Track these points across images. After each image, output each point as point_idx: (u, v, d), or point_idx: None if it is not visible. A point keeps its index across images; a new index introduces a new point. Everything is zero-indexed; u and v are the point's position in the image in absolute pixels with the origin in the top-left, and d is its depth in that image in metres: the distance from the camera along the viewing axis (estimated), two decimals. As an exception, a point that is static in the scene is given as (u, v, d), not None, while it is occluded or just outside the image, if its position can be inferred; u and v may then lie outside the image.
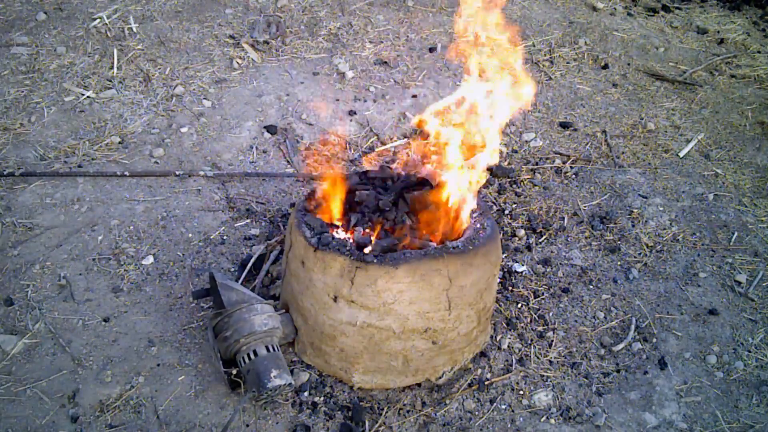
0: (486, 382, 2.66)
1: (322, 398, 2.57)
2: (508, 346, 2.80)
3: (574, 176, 3.69)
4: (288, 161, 3.69)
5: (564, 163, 3.77)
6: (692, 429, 2.56)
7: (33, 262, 3.02)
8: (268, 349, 2.49)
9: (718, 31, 4.99)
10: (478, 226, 2.58)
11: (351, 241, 2.50)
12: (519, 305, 2.98)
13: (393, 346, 2.49)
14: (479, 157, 2.71)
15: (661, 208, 3.48)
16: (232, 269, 3.06)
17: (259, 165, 3.67)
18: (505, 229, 3.36)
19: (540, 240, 3.30)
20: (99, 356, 2.68)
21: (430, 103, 4.12)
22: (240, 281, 2.90)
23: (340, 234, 2.56)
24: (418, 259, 2.38)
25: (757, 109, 4.24)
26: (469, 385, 2.65)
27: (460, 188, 2.60)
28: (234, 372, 2.51)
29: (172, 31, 4.45)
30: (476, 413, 2.57)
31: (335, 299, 2.44)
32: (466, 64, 2.64)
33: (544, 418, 2.56)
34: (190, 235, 3.22)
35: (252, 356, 2.46)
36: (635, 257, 3.23)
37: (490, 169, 3.63)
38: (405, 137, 3.90)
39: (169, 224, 3.26)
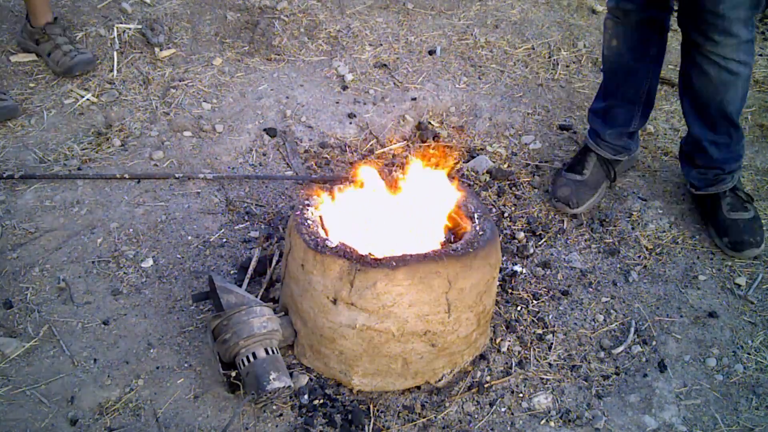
0: (485, 385, 2.66)
1: (321, 401, 2.57)
2: (508, 349, 2.80)
3: (573, 179, 3.69)
4: (288, 164, 3.70)
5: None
6: (692, 431, 2.56)
7: (32, 264, 3.02)
8: (267, 352, 2.49)
9: (718, 34, 4.99)
10: (478, 228, 2.58)
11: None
12: (518, 308, 2.98)
13: (392, 348, 2.49)
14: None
15: (661, 211, 3.48)
16: (232, 272, 3.06)
17: (258, 168, 3.67)
18: (505, 231, 3.36)
19: (539, 242, 3.30)
20: (98, 359, 2.68)
21: (430, 106, 4.13)
22: (244, 287, 2.89)
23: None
24: (418, 261, 2.38)
25: (756, 112, 4.24)
26: (469, 388, 2.65)
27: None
28: (233, 375, 2.51)
29: (172, 34, 4.45)
30: (476, 416, 2.57)
31: (334, 302, 2.44)
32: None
33: (543, 420, 2.56)
34: (190, 237, 3.22)
35: (251, 359, 2.46)
36: (635, 260, 3.23)
37: (489, 172, 3.64)
38: (404, 140, 3.90)
39: (168, 227, 3.26)
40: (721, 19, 2.79)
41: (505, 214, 3.45)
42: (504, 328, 2.88)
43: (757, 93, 4.44)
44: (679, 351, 2.85)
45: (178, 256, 3.12)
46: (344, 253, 2.41)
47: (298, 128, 3.92)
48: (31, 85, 4.03)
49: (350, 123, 3.98)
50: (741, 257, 3.18)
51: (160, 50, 4.31)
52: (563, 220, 3.43)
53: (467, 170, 3.66)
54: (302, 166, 3.68)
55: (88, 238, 3.17)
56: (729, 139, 3.21)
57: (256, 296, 2.84)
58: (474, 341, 2.67)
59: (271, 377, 2.41)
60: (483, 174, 3.64)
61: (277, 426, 2.48)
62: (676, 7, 3.15)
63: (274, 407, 2.53)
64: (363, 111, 4.06)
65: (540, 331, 2.89)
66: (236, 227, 3.30)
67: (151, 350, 2.72)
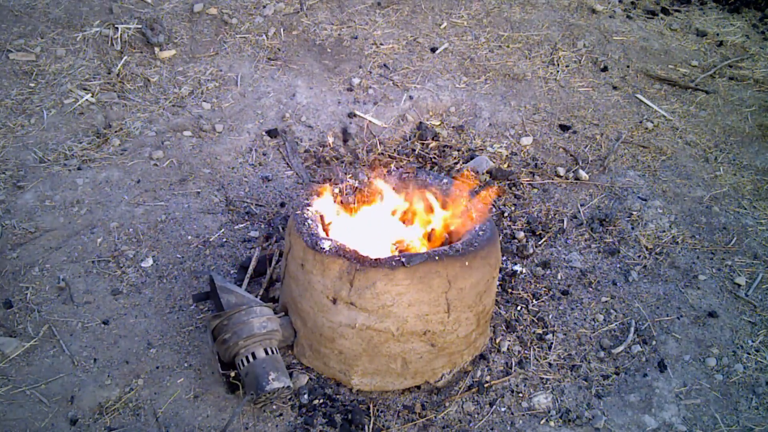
0: (485, 385, 2.66)
1: (321, 401, 2.57)
2: (508, 349, 2.80)
3: (573, 178, 3.69)
4: (288, 164, 3.69)
5: (561, 167, 3.77)
6: (692, 431, 2.55)
7: (32, 264, 3.02)
8: (266, 352, 2.49)
9: (717, 34, 4.99)
10: (477, 228, 2.58)
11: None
12: (518, 308, 2.98)
13: (392, 348, 2.49)
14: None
15: (661, 211, 3.48)
16: (232, 271, 3.06)
17: (259, 167, 3.67)
18: (505, 231, 3.36)
19: (539, 242, 3.30)
20: (98, 359, 2.68)
21: (429, 105, 4.12)
22: (244, 287, 2.89)
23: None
24: (417, 261, 2.38)
25: (756, 112, 4.24)
26: (469, 388, 2.65)
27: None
28: (233, 374, 2.51)
29: (172, 34, 4.45)
30: (476, 416, 2.56)
31: (334, 301, 2.44)
32: None
33: (543, 420, 2.56)
34: (190, 237, 3.22)
35: (251, 359, 2.46)
36: (635, 260, 3.23)
37: (489, 172, 3.64)
38: (404, 140, 3.90)
39: (168, 226, 3.26)
40: None
41: (505, 214, 3.45)
42: (504, 327, 2.88)
43: (757, 93, 4.44)
44: (678, 351, 2.84)
45: (178, 255, 3.12)
46: (344, 252, 2.40)
47: (298, 128, 3.92)
48: (31, 85, 4.03)
49: (350, 123, 3.98)
50: None
51: (160, 50, 4.31)
52: (563, 220, 3.43)
53: (467, 170, 3.66)
54: (302, 166, 3.68)
55: (88, 238, 3.17)
56: None
57: (256, 296, 2.84)
58: (474, 341, 2.67)
59: (270, 377, 2.41)
60: (483, 174, 3.64)
61: (277, 426, 2.48)
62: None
63: (274, 407, 2.53)
64: (363, 111, 4.06)
65: (540, 331, 2.89)
66: (236, 227, 3.30)
67: (151, 350, 2.72)
